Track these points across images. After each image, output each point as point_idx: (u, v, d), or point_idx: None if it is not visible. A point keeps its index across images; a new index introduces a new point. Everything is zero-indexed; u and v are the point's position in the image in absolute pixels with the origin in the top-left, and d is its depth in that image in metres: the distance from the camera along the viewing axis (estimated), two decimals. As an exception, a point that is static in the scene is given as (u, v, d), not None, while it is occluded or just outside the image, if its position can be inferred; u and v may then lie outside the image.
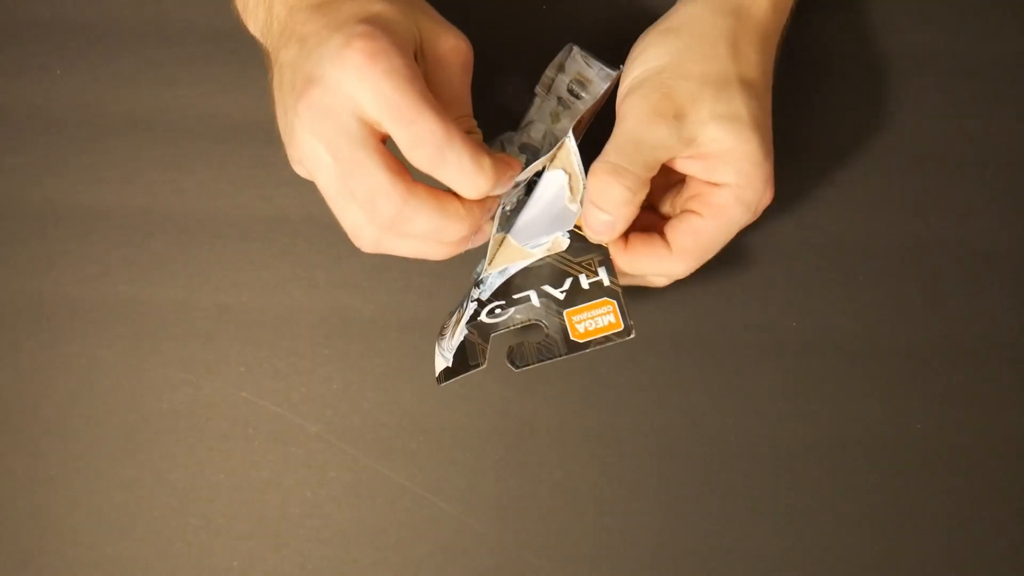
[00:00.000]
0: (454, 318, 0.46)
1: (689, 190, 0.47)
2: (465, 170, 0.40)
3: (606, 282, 0.45)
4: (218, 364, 0.55)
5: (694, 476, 0.54)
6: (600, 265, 0.45)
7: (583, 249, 0.45)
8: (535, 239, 0.45)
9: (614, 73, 0.50)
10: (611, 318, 0.45)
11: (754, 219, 0.46)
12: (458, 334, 0.45)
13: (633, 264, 0.47)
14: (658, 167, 0.45)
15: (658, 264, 0.46)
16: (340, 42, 0.40)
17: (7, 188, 0.54)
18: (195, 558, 0.55)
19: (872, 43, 0.54)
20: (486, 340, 0.45)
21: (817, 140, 0.54)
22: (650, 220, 0.48)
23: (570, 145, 0.45)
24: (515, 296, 0.45)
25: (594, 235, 0.45)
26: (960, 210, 0.54)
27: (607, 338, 0.45)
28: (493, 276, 0.45)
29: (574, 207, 0.45)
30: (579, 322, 0.45)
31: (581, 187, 0.45)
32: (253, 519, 0.55)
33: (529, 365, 0.44)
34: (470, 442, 0.55)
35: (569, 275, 0.45)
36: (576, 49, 0.50)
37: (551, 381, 0.54)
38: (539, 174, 0.46)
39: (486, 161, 0.41)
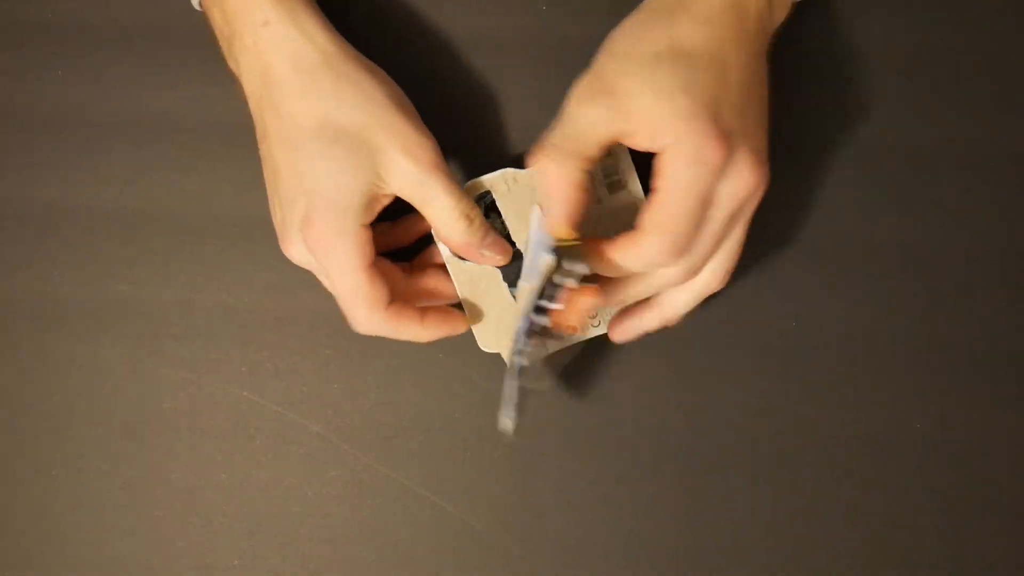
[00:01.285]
0: (507, 381, 0.48)
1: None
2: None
3: (576, 271, 0.47)
4: (220, 364, 0.55)
5: (694, 476, 0.54)
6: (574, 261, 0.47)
7: (566, 257, 0.47)
8: (532, 272, 0.47)
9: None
10: (588, 299, 0.47)
11: (714, 177, 0.44)
12: (507, 389, 0.48)
13: (613, 254, 0.46)
14: (597, 145, 0.45)
15: (636, 248, 0.46)
16: (298, 219, 0.46)
17: (8, 188, 0.54)
18: (196, 557, 0.55)
19: (872, 43, 0.54)
20: (542, 362, 0.49)
21: (816, 140, 0.54)
22: None
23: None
24: (536, 326, 0.48)
25: (549, 224, 0.46)
26: (960, 210, 0.54)
27: (587, 312, 0.47)
28: (519, 324, 0.48)
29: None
30: (565, 316, 0.47)
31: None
32: (254, 518, 0.55)
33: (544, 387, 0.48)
34: (470, 442, 0.55)
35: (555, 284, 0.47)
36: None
37: (550, 381, 0.55)
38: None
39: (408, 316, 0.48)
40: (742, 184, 0.45)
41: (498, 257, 0.49)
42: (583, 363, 0.54)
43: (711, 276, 0.49)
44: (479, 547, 0.55)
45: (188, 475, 0.55)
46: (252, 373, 0.55)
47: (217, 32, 0.49)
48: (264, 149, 0.48)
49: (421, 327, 0.48)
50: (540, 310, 0.47)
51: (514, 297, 0.51)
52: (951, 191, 0.54)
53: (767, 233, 0.54)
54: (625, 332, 0.51)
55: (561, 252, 0.47)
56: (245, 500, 0.55)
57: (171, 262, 0.55)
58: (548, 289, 0.47)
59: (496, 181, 0.50)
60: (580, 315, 0.46)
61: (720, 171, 0.44)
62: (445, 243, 0.49)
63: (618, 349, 0.54)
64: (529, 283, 0.48)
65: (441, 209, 0.46)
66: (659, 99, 0.44)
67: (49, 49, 0.54)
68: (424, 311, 0.48)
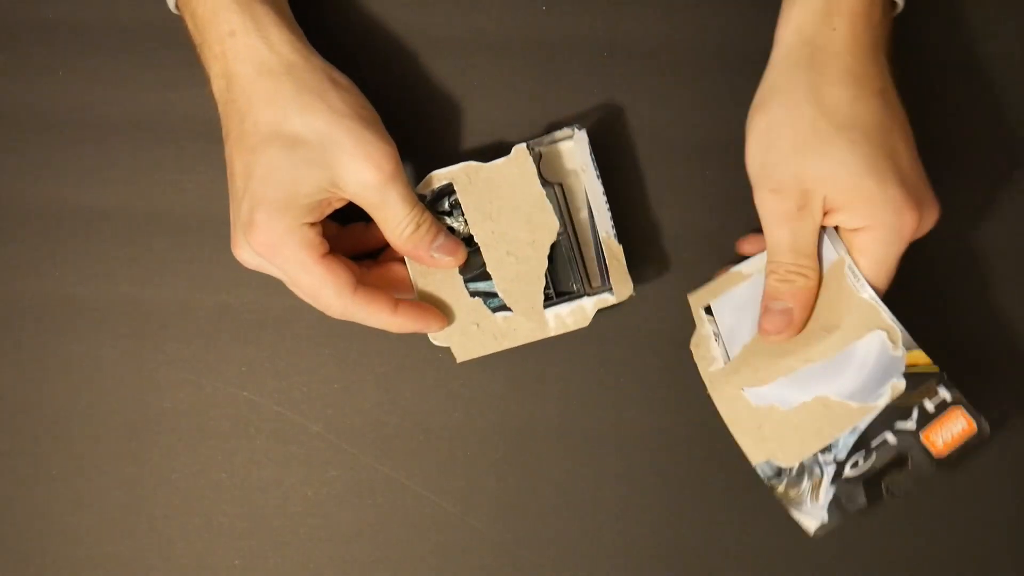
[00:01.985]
0: (806, 485, 0.50)
1: None
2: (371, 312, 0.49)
3: (948, 398, 0.48)
4: (220, 363, 0.55)
5: (694, 475, 0.54)
6: (939, 384, 0.48)
7: (914, 384, 0.48)
8: (874, 394, 0.48)
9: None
10: (963, 423, 0.48)
11: (909, 241, 0.47)
12: (824, 495, 0.49)
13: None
14: (812, 248, 0.48)
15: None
16: (243, 220, 0.47)
17: (9, 188, 0.54)
18: (196, 557, 0.55)
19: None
20: (861, 488, 0.49)
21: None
22: None
23: (879, 307, 0.48)
24: (872, 443, 0.49)
25: (774, 330, 0.49)
26: (960, 210, 0.54)
27: (965, 445, 0.48)
28: (844, 436, 0.49)
29: (899, 352, 0.48)
30: (937, 438, 0.48)
31: (899, 335, 0.48)
32: (254, 518, 0.55)
33: (902, 492, 0.48)
34: (470, 442, 0.55)
35: (914, 405, 0.48)
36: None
37: (551, 381, 0.55)
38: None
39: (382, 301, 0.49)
40: (928, 227, 0.48)
41: (448, 259, 0.50)
42: (583, 363, 0.54)
43: None
44: (479, 547, 0.55)
45: (188, 474, 0.55)
46: (252, 373, 0.55)
47: (191, 38, 0.49)
48: (226, 153, 0.48)
49: (392, 315, 0.49)
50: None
51: (468, 289, 0.51)
52: (952, 191, 0.54)
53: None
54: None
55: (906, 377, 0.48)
56: (245, 500, 0.55)
57: (171, 262, 0.55)
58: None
59: (457, 174, 0.51)
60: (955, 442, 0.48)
61: (916, 232, 0.47)
62: (395, 248, 0.49)
63: (618, 349, 0.54)
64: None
65: (393, 217, 0.47)
66: (838, 185, 0.46)
67: (49, 49, 0.54)
68: (398, 302, 0.49)
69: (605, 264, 0.51)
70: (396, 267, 0.52)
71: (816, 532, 0.49)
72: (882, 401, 0.48)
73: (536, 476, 0.55)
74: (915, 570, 0.55)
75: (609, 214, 0.51)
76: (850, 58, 0.46)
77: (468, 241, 0.51)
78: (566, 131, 0.52)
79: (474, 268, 0.51)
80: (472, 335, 0.51)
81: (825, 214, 0.47)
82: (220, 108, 0.48)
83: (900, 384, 0.48)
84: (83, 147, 0.54)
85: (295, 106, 0.46)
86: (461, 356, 0.52)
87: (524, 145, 0.50)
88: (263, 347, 0.55)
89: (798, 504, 0.50)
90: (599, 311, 0.51)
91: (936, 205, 0.47)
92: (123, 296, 0.55)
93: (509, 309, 0.51)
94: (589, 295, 0.51)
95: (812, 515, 0.49)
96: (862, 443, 0.49)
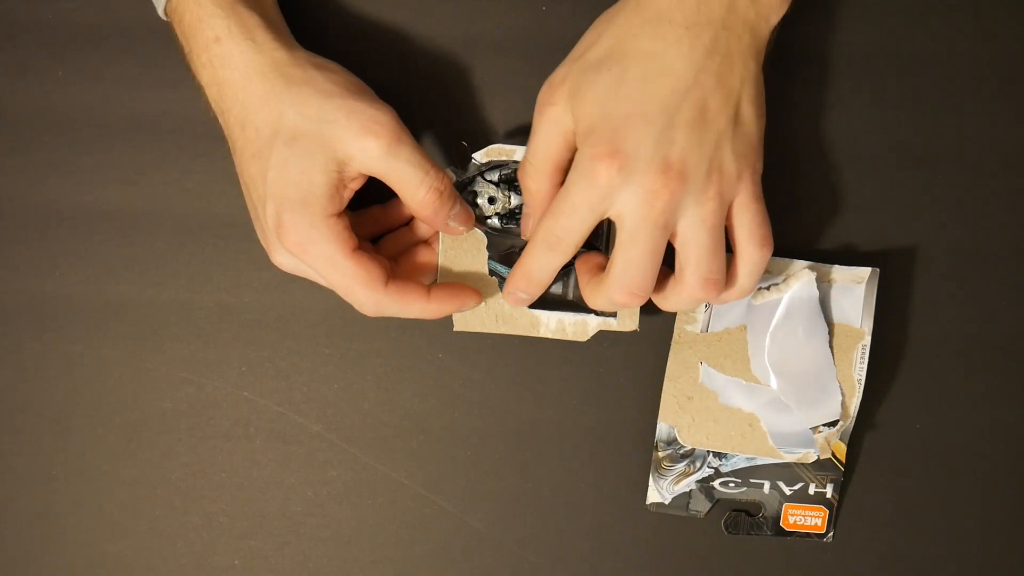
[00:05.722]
0: (680, 467, 0.54)
1: None
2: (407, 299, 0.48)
3: (828, 495, 0.54)
4: (220, 364, 0.55)
5: (694, 476, 0.55)
6: (830, 483, 0.54)
7: (821, 467, 0.54)
8: (790, 447, 0.53)
9: None
10: (819, 522, 0.54)
11: (599, 192, 0.44)
12: (683, 485, 0.54)
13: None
14: (544, 160, 0.47)
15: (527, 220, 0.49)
16: (272, 224, 0.46)
17: (9, 189, 0.54)
18: (197, 557, 0.55)
19: (871, 43, 0.54)
20: (711, 500, 0.54)
21: (816, 140, 0.54)
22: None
23: (858, 389, 0.53)
24: (753, 480, 0.54)
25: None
26: (960, 210, 0.54)
27: (807, 535, 0.54)
28: (741, 458, 0.53)
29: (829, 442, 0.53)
30: (793, 515, 0.54)
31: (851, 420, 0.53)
32: (254, 518, 0.55)
33: (739, 534, 0.54)
34: (470, 442, 0.55)
35: (803, 480, 0.54)
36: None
37: (551, 381, 0.55)
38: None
39: (413, 291, 0.48)
40: (638, 202, 0.44)
41: (461, 227, 0.49)
42: (583, 363, 0.54)
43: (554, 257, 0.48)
44: (479, 547, 0.55)
45: (188, 475, 0.55)
46: (252, 373, 0.55)
47: (180, 47, 0.49)
48: (236, 164, 0.48)
49: (427, 302, 0.48)
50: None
51: (491, 274, 0.51)
52: (952, 191, 0.54)
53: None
54: (512, 297, 0.50)
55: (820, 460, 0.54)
56: (245, 500, 0.55)
57: (171, 262, 0.55)
58: None
59: (520, 152, 0.51)
60: None
61: (610, 189, 0.44)
62: (414, 214, 0.49)
63: (618, 350, 0.54)
64: None
65: (406, 181, 0.46)
66: (582, 104, 0.45)
67: (49, 49, 0.54)
68: (429, 288, 0.49)
69: None
70: (421, 252, 0.52)
71: (650, 506, 0.54)
72: (789, 458, 0.53)
73: (536, 476, 0.55)
74: (914, 570, 0.55)
75: None
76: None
77: (509, 217, 0.51)
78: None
79: (499, 249, 0.51)
80: (477, 310, 0.51)
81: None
82: (220, 120, 0.48)
83: (811, 456, 0.53)
84: (83, 147, 0.54)
85: (287, 101, 0.46)
86: (460, 326, 0.52)
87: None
88: (263, 347, 0.55)
89: (660, 475, 0.54)
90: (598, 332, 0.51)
91: (664, 174, 0.44)
92: (123, 296, 0.55)
93: None
94: (597, 314, 0.51)
95: (662, 492, 0.54)
96: (746, 473, 0.54)
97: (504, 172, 0.51)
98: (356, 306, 0.48)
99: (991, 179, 0.54)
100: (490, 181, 0.51)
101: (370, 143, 0.45)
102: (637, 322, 0.51)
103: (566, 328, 0.51)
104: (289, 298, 0.54)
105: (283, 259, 0.48)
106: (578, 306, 0.52)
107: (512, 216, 0.51)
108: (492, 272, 0.51)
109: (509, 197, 0.51)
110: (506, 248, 0.51)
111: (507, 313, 0.51)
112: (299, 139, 0.45)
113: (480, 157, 0.50)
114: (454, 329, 0.51)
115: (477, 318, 0.51)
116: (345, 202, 0.47)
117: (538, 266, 0.47)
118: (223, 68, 0.46)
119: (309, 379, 0.55)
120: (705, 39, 0.45)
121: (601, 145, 0.44)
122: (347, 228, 0.46)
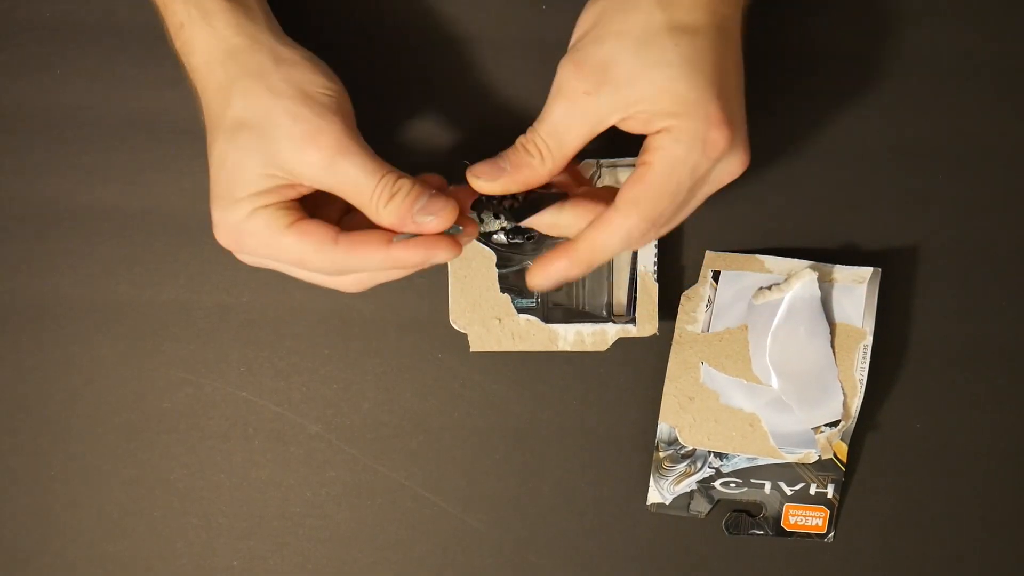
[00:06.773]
0: (680, 468, 0.54)
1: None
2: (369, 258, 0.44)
3: (829, 495, 0.54)
4: (219, 364, 0.55)
5: (694, 476, 0.55)
6: (831, 483, 0.54)
7: (822, 467, 0.54)
8: (791, 447, 0.53)
9: None
10: (820, 522, 0.54)
11: (712, 164, 0.44)
12: (684, 485, 0.54)
13: (577, 214, 0.45)
14: (569, 140, 0.44)
15: (606, 220, 0.44)
16: (215, 219, 0.45)
17: (8, 188, 0.54)
18: (196, 557, 0.55)
19: (871, 42, 0.54)
20: (711, 503, 0.54)
21: (815, 140, 0.54)
22: None
23: (859, 390, 0.53)
24: (754, 481, 0.54)
25: (480, 173, 0.45)
26: (960, 210, 0.54)
27: (808, 535, 0.54)
28: (742, 458, 0.53)
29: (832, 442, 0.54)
30: (794, 515, 0.54)
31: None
32: (253, 518, 0.55)
33: (739, 535, 0.54)
34: (470, 442, 0.55)
35: (804, 481, 0.54)
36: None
37: (551, 381, 0.54)
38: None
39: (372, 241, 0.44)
40: (733, 170, 0.44)
41: (432, 219, 0.44)
42: (583, 363, 0.54)
43: (654, 234, 0.46)
44: (479, 547, 0.55)
45: (187, 475, 0.55)
46: (251, 373, 0.55)
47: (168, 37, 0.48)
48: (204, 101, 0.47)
49: (388, 249, 0.43)
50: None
51: (499, 283, 0.51)
52: (952, 191, 0.54)
53: (767, 234, 0.54)
54: (547, 278, 0.46)
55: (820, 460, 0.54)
56: (244, 500, 0.55)
57: (171, 262, 0.55)
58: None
59: None
60: None
61: (719, 158, 0.43)
62: (381, 227, 0.44)
63: (618, 350, 0.54)
64: None
65: (358, 193, 0.43)
66: (655, 82, 0.42)
67: (49, 49, 0.54)
68: (390, 236, 0.44)
69: (635, 295, 0.52)
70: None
71: (651, 507, 0.54)
72: (790, 458, 0.53)
73: (536, 476, 0.55)
74: (914, 570, 0.55)
75: (655, 251, 0.51)
76: None
77: (515, 232, 0.49)
78: (632, 160, 0.51)
79: (513, 264, 0.51)
80: (492, 329, 0.51)
81: (627, 119, 0.43)
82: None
83: (812, 456, 0.53)
84: (83, 147, 0.54)
85: (237, 91, 0.44)
86: (476, 347, 0.52)
87: (595, 161, 0.51)
88: (263, 347, 0.55)
89: (661, 475, 0.54)
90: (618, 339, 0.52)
91: (747, 152, 0.44)
92: (122, 296, 0.55)
93: (533, 313, 0.51)
94: (615, 321, 0.51)
95: (662, 492, 0.54)
96: (747, 474, 0.54)
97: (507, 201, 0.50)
98: (316, 280, 0.46)
99: (992, 179, 0.54)
100: (490, 199, 0.49)
101: (311, 155, 0.43)
102: (656, 327, 0.51)
103: (584, 339, 0.51)
104: (288, 298, 0.54)
105: (242, 257, 0.46)
106: (590, 316, 0.52)
107: (518, 231, 0.49)
108: (505, 289, 0.51)
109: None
110: (515, 264, 0.51)
111: (523, 330, 0.51)
112: (241, 133, 0.44)
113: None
114: (471, 350, 0.51)
115: (493, 337, 0.51)
116: (286, 199, 0.44)
117: (631, 242, 0.44)
118: (189, 55, 0.46)
119: (308, 379, 0.55)
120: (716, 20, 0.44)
121: (712, 116, 0.42)
122: (282, 207, 0.44)
